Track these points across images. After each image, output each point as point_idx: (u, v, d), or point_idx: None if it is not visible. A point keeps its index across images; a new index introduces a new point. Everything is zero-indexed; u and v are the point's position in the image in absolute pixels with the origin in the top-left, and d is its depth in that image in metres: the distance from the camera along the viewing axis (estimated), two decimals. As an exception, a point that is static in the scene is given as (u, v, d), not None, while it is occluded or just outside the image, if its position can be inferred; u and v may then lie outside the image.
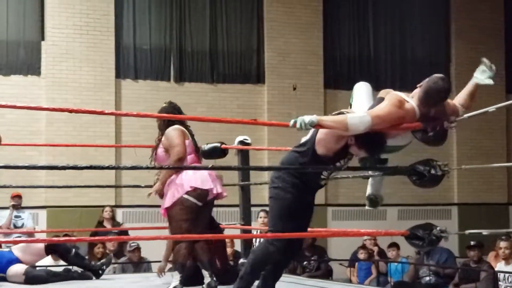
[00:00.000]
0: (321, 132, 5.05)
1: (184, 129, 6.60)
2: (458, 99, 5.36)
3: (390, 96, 5.05)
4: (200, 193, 6.40)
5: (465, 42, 15.59)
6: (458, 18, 15.68)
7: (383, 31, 15.34)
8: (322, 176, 5.18)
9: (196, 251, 6.66)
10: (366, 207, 5.74)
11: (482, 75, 5.22)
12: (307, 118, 4.79)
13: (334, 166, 5.16)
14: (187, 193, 6.36)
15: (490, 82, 5.16)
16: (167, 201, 6.43)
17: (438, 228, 5.35)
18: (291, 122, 4.86)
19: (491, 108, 5.20)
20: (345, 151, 5.14)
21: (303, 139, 5.22)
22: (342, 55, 15.06)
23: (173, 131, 6.54)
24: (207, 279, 6.58)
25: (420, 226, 5.25)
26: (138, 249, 10.27)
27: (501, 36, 15.87)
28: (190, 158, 6.53)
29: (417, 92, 5.10)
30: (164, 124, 6.71)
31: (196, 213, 6.41)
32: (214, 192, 6.47)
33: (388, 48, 15.32)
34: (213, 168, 6.08)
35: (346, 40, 15.09)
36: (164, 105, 6.87)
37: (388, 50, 15.31)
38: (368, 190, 5.70)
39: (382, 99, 5.15)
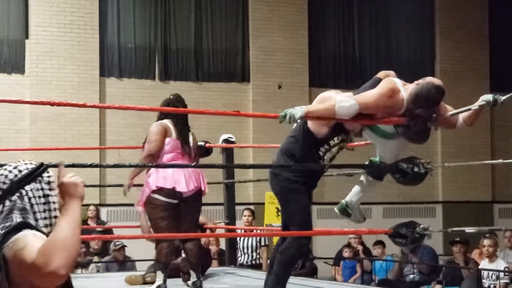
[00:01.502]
0: None
1: (169, 126, 6.54)
2: (463, 115, 5.36)
3: (385, 84, 5.06)
4: (167, 192, 6.39)
5: (449, 41, 15.64)
6: (442, 17, 15.73)
7: (368, 30, 15.37)
8: (320, 153, 5.16)
9: (185, 251, 6.68)
10: (335, 209, 5.75)
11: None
12: (297, 113, 4.80)
13: (327, 143, 5.14)
14: (154, 192, 6.37)
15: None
16: (141, 199, 6.51)
17: (421, 226, 5.37)
18: (280, 116, 4.88)
19: (474, 106, 5.20)
20: (340, 127, 5.15)
21: (294, 125, 5.20)
22: (327, 53, 15.08)
23: (155, 127, 6.54)
24: (193, 278, 6.58)
25: (403, 224, 5.27)
26: (123, 247, 10.23)
27: (485, 35, 15.92)
28: (171, 156, 6.49)
29: (412, 87, 5.10)
30: (159, 118, 6.72)
31: (172, 210, 6.41)
32: (181, 190, 6.41)
33: (373, 46, 15.35)
34: (192, 166, 6.09)
35: (331, 38, 15.11)
36: (170, 97, 6.91)
37: (373, 49, 15.34)
38: (348, 197, 5.71)
39: (378, 81, 5.16)
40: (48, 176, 2.56)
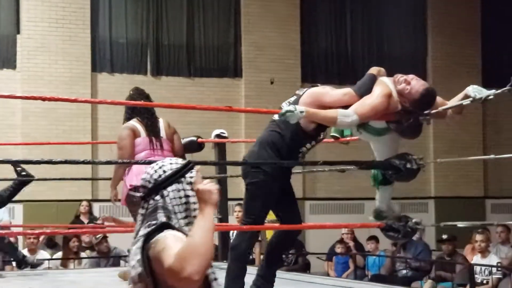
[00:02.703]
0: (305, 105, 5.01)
1: (136, 125, 6.56)
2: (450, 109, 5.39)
3: (380, 91, 5.05)
4: (140, 189, 6.38)
5: (441, 37, 15.64)
6: (434, 13, 15.73)
7: (361, 26, 15.36)
8: (305, 149, 5.14)
9: None
10: (371, 218, 5.76)
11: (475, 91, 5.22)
12: (293, 119, 4.80)
13: (315, 139, 5.13)
14: (130, 190, 6.43)
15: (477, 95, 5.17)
16: (122, 197, 6.59)
17: (413, 220, 5.37)
18: (279, 114, 4.87)
19: (466, 101, 5.21)
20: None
21: (275, 117, 5.15)
22: (320, 49, 15.06)
23: (122, 131, 6.59)
24: None
25: (396, 218, 5.27)
26: (104, 239, 10.16)
27: (477, 31, 15.93)
28: (143, 154, 6.50)
29: (403, 88, 5.10)
30: (124, 118, 6.74)
31: None
32: None
33: (365, 42, 15.34)
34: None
35: (324, 34, 15.09)
36: (130, 92, 6.82)
37: (365, 44, 15.34)
38: (376, 203, 5.73)
39: (373, 78, 5.15)
40: (190, 177, 2.65)
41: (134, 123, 6.60)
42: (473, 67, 15.79)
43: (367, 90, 5.10)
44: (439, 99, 5.38)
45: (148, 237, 2.53)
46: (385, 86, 5.11)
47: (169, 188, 2.64)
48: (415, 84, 5.13)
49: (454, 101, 5.36)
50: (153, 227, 2.55)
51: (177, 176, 2.65)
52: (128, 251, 2.67)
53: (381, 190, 5.67)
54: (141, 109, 6.59)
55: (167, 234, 2.52)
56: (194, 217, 2.60)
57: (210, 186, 2.56)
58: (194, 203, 2.63)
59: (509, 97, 5.00)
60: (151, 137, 6.58)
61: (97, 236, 10.07)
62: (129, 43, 13.72)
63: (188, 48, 14.09)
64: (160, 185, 2.64)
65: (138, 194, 2.62)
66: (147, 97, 6.78)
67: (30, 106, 12.75)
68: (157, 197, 2.63)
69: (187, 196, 2.64)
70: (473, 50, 15.89)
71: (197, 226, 2.47)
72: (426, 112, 5.19)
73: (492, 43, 15.90)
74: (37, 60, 13.06)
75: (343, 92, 5.13)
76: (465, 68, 15.58)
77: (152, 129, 6.59)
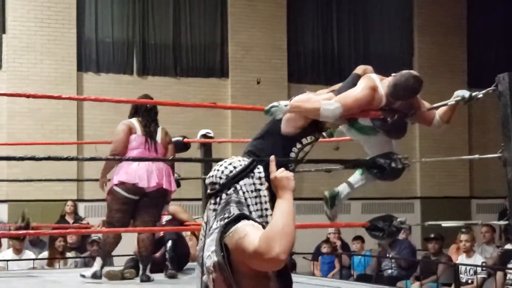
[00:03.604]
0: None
1: (134, 123, 6.82)
2: (439, 111, 5.39)
3: (365, 83, 5.06)
4: (129, 187, 6.68)
5: (427, 37, 15.70)
6: (420, 13, 15.78)
7: (347, 26, 15.38)
8: (293, 153, 5.14)
9: (137, 242, 6.96)
10: (325, 192, 5.73)
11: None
12: (279, 114, 4.80)
13: (300, 142, 5.13)
14: (116, 185, 6.69)
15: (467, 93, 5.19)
16: (106, 190, 6.85)
17: (398, 220, 5.38)
18: (265, 110, 4.88)
19: (451, 101, 5.23)
20: (313, 126, 5.15)
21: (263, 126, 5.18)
22: (306, 49, 15.08)
23: (119, 126, 6.87)
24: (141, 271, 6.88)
25: (380, 218, 5.29)
26: (93, 242, 10.15)
27: (463, 31, 15.99)
28: (136, 152, 6.73)
29: (388, 81, 5.12)
30: (129, 116, 7.06)
31: (130, 206, 6.73)
32: (142, 185, 6.66)
33: (351, 42, 15.37)
34: (170, 159, 6.12)
35: (310, 34, 15.11)
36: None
37: (352, 45, 15.36)
38: (341, 187, 5.72)
39: (357, 77, 5.17)
40: (259, 172, 2.80)
41: (133, 121, 6.87)
42: (459, 67, 15.85)
43: (350, 88, 5.11)
44: (425, 103, 5.39)
45: (226, 227, 2.63)
46: (371, 79, 5.12)
47: (241, 182, 2.77)
48: (402, 71, 5.16)
49: (446, 107, 5.37)
50: (231, 217, 2.66)
51: (247, 171, 2.79)
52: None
53: (359, 175, 5.64)
54: (144, 112, 6.90)
55: (245, 223, 2.64)
56: (266, 209, 2.76)
57: (287, 173, 2.71)
58: (265, 196, 2.78)
59: (494, 98, 5.02)
60: (146, 137, 6.82)
61: (93, 237, 10.07)
62: (115, 43, 13.69)
63: (174, 48, 14.07)
64: (232, 180, 2.77)
65: (209, 191, 2.73)
66: (154, 105, 7.04)
67: (15, 106, 12.70)
68: (230, 192, 2.76)
69: (257, 190, 2.78)
70: (459, 51, 15.95)
71: (279, 209, 2.61)
72: (411, 111, 5.19)
73: (477, 44, 15.96)
74: (23, 60, 13.01)
75: (325, 98, 5.14)
76: (451, 68, 15.64)
77: (149, 130, 6.84)
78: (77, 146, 12.87)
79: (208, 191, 2.82)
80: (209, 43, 14.32)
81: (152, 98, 7.13)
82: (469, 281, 9.07)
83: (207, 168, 8.33)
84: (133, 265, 7.25)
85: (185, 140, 7.77)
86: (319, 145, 6.32)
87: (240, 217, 2.67)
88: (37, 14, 13.08)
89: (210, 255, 2.67)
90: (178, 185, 7.90)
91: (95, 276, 6.75)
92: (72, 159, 5.76)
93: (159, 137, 6.93)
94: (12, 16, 12.97)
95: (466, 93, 5.19)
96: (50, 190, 12.38)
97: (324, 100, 4.97)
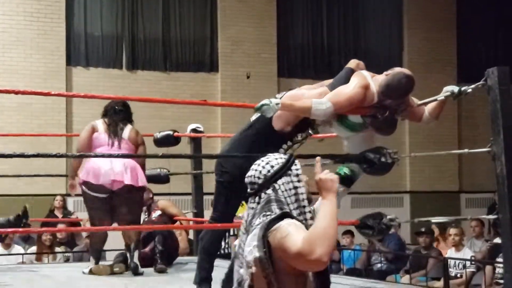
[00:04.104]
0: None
1: (98, 123, 6.97)
2: (428, 107, 5.39)
3: (356, 81, 5.05)
4: (91, 186, 6.75)
5: (417, 31, 15.71)
6: (410, 8, 15.79)
7: (337, 20, 15.38)
8: (282, 150, 5.15)
9: (123, 236, 7.06)
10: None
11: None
12: (269, 112, 4.81)
13: (291, 140, 5.15)
14: (82, 185, 6.80)
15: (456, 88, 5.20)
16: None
17: (388, 217, 5.38)
18: (255, 108, 4.87)
19: (440, 96, 5.23)
20: (305, 123, 5.14)
21: (253, 118, 5.18)
22: (296, 43, 15.07)
23: (85, 127, 7.08)
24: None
25: (370, 216, 5.28)
26: (88, 237, 10.15)
27: (453, 25, 16.01)
28: (100, 149, 6.81)
29: (381, 79, 5.12)
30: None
31: (101, 203, 6.79)
32: (101, 183, 6.71)
33: (341, 37, 15.37)
34: (160, 156, 6.13)
35: (300, 28, 15.10)
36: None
37: (342, 39, 15.37)
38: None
39: (350, 71, 5.17)
40: (296, 169, 2.87)
41: (98, 121, 7.02)
42: (449, 62, 15.87)
43: (343, 84, 5.11)
44: (414, 99, 5.39)
45: (269, 224, 2.70)
46: (363, 77, 5.11)
47: (279, 181, 2.82)
48: (395, 70, 5.16)
49: (434, 103, 5.37)
50: (274, 215, 2.73)
51: (284, 169, 2.84)
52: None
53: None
54: (113, 114, 6.99)
55: (288, 222, 2.70)
56: (304, 207, 2.82)
57: (331, 175, 2.78)
58: (302, 193, 2.84)
59: (484, 93, 5.02)
60: (109, 134, 6.89)
61: (86, 235, 10.08)
62: (105, 37, 13.65)
63: (164, 42, 14.04)
64: (271, 179, 2.82)
65: (249, 190, 2.80)
66: (124, 107, 7.10)
67: (4, 101, 12.66)
68: (269, 191, 2.81)
69: (296, 188, 2.83)
70: (448, 46, 15.97)
71: (323, 211, 2.68)
72: (401, 107, 5.19)
73: (467, 39, 15.98)
74: (12, 54, 12.97)
75: (319, 92, 5.14)
76: (441, 63, 15.67)
77: (113, 129, 6.91)
78: (66, 140, 12.84)
79: (248, 190, 2.88)
80: (198, 37, 14.30)
81: (127, 106, 7.17)
82: (458, 275, 9.09)
83: (197, 163, 8.33)
84: (123, 259, 7.25)
85: (175, 134, 7.75)
86: (308, 141, 6.32)
87: (284, 215, 2.73)
88: (26, 8, 13.04)
89: (251, 250, 2.73)
90: (168, 180, 7.90)
91: (92, 272, 6.89)
92: (61, 156, 5.77)
93: (126, 135, 6.93)
94: (1, 10, 12.93)
95: (455, 88, 5.19)
96: (39, 185, 12.35)
97: (316, 99, 4.96)
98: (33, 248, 10.08)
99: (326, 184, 2.76)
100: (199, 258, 5.34)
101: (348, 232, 11.60)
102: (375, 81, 5.11)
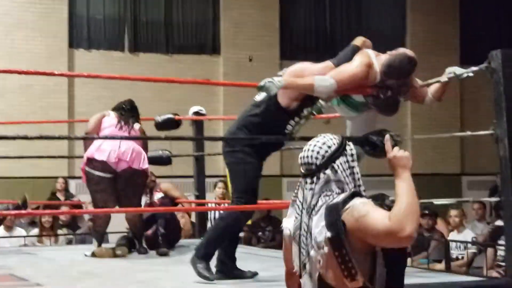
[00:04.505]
0: None
1: (108, 113, 7.05)
2: (431, 89, 5.38)
3: (360, 60, 5.05)
4: (97, 165, 6.76)
5: (420, 14, 15.66)
6: (413, -10, 15.75)
7: (340, 3, 15.33)
8: (287, 131, 5.14)
9: (126, 221, 7.17)
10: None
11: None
12: (273, 90, 4.79)
13: (298, 116, 5.12)
14: (87, 165, 6.81)
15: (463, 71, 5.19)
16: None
17: (390, 199, 5.35)
18: (258, 87, 4.86)
19: (444, 78, 5.22)
20: (310, 98, 5.13)
21: (258, 99, 5.15)
22: (298, 26, 15.03)
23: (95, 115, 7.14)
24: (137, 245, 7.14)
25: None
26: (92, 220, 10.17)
27: (456, 7, 15.96)
28: (108, 130, 6.89)
29: (384, 58, 5.11)
30: None
31: (106, 184, 6.81)
32: (107, 159, 6.74)
33: (344, 19, 15.33)
34: (163, 138, 6.14)
35: (303, 11, 15.06)
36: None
37: (344, 22, 15.32)
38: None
39: (354, 49, 5.16)
40: (351, 149, 2.88)
41: (110, 111, 7.11)
42: (451, 44, 15.83)
43: (347, 61, 5.10)
44: (418, 80, 5.38)
45: (342, 204, 2.72)
46: (367, 56, 5.11)
47: (337, 161, 2.84)
48: (399, 50, 5.16)
49: (438, 85, 5.36)
50: (344, 195, 2.76)
51: (341, 149, 2.86)
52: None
53: None
54: (122, 111, 7.07)
55: (362, 201, 2.75)
56: (359, 186, 2.85)
57: (405, 152, 2.85)
58: (358, 173, 2.87)
59: (487, 75, 5.01)
60: (119, 119, 6.98)
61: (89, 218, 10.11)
62: (107, 20, 13.62)
63: (166, 25, 14.01)
64: (329, 160, 2.84)
65: (304, 171, 2.83)
66: (132, 106, 7.19)
67: (6, 83, 12.65)
68: (328, 171, 2.83)
69: (351, 167, 2.86)
70: (451, 28, 15.92)
71: (404, 188, 2.74)
72: (404, 88, 5.18)
73: (470, 21, 15.93)
74: (14, 36, 12.96)
75: (323, 66, 5.13)
76: (444, 45, 15.62)
77: (124, 117, 7.00)
78: (68, 124, 12.85)
79: (303, 171, 2.89)
80: (201, 20, 14.26)
81: (135, 107, 7.25)
82: (460, 257, 9.10)
83: (199, 146, 8.33)
84: (125, 242, 7.27)
85: (177, 117, 7.74)
86: (311, 122, 6.32)
87: (354, 194, 2.78)
88: (29, -10, 13.02)
89: (320, 230, 2.74)
90: (170, 162, 7.90)
91: (94, 255, 6.92)
92: (64, 138, 5.76)
93: (136, 127, 7.07)
94: (3, -8, 12.91)
95: (457, 70, 5.18)
96: (41, 167, 12.35)
97: (318, 76, 4.94)
98: (35, 231, 10.10)
99: (401, 161, 2.83)
100: (211, 236, 5.19)
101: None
102: (379, 60, 5.11)
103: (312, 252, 2.78)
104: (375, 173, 14.85)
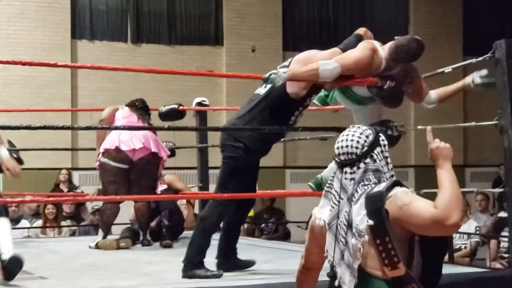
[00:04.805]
0: None
1: (122, 107, 7.17)
2: (439, 90, 5.39)
3: (364, 45, 5.04)
4: (114, 155, 6.84)
5: (423, 4, 15.63)
6: (416, -20, 15.71)
7: (342, -7, 15.30)
8: (291, 121, 5.12)
9: (134, 210, 7.20)
10: (310, 183, 5.76)
11: (478, 78, 5.24)
12: (279, 81, 4.77)
13: (302, 105, 5.10)
14: (103, 155, 6.88)
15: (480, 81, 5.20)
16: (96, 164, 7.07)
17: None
18: (264, 78, 4.84)
19: (448, 69, 5.22)
20: (314, 88, 5.13)
21: (262, 91, 5.11)
22: (301, 17, 15.01)
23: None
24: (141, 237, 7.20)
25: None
26: (98, 211, 10.17)
27: (459, -1, 15.94)
28: (125, 121, 6.99)
29: (390, 45, 5.10)
30: None
31: (121, 176, 6.88)
32: (124, 148, 6.81)
33: (347, 10, 15.30)
34: (166, 128, 6.15)
35: (305, 1, 15.03)
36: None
37: (347, 12, 15.29)
38: (325, 172, 5.73)
39: (358, 38, 5.15)
40: (383, 140, 2.97)
41: (124, 106, 7.21)
42: (455, 35, 15.79)
43: (353, 47, 5.09)
44: (425, 86, 5.38)
45: (384, 193, 2.80)
46: (370, 42, 5.10)
47: (375, 151, 2.92)
48: (406, 36, 5.16)
49: (448, 88, 5.38)
50: (386, 184, 2.84)
51: (378, 139, 2.94)
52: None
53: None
54: (136, 108, 7.19)
55: (403, 190, 2.83)
56: (392, 176, 2.93)
57: (447, 144, 2.99)
58: (391, 163, 2.96)
59: (490, 66, 5.00)
60: (133, 111, 7.11)
61: (94, 207, 10.11)
62: (109, 10, 13.60)
63: (169, 16, 13.98)
64: (369, 149, 2.91)
65: (341, 161, 2.86)
66: (143, 105, 7.31)
67: (9, 74, 12.64)
68: (367, 160, 2.90)
69: (386, 157, 2.95)
70: (454, 19, 15.88)
71: (447, 178, 2.85)
72: (408, 79, 5.17)
73: (473, 12, 15.88)
74: (17, 27, 12.94)
75: (330, 52, 5.11)
76: (447, 36, 15.59)
77: (138, 115, 7.12)
78: (72, 114, 12.85)
79: (342, 160, 2.92)
80: (203, 10, 14.24)
81: (147, 106, 7.35)
82: (463, 247, 9.09)
83: (203, 137, 8.32)
84: (129, 235, 7.28)
85: (180, 108, 7.73)
86: (315, 113, 6.31)
87: (395, 183, 2.85)
88: (31, -19, 13.00)
89: (362, 218, 2.80)
90: (173, 154, 7.90)
91: (98, 247, 6.95)
92: (67, 128, 5.74)
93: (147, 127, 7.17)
94: (5, -17, 12.88)
95: (476, 78, 5.20)
96: (45, 159, 12.34)
97: (322, 60, 4.92)
98: (39, 222, 10.10)
99: (444, 152, 2.95)
100: (197, 238, 5.08)
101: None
102: (384, 49, 5.10)
103: (353, 241, 2.81)
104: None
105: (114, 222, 7.35)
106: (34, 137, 10.69)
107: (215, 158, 10.05)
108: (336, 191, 2.91)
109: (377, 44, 5.11)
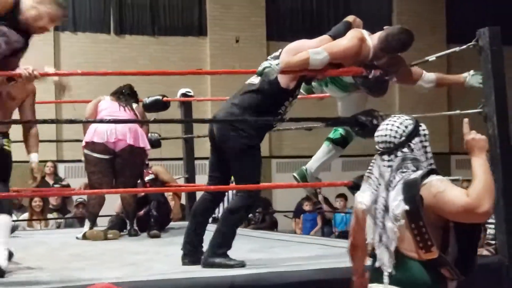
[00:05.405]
0: None
1: (104, 97, 7.21)
2: (437, 74, 5.43)
3: (352, 34, 5.06)
4: (96, 147, 6.90)
5: (407, -8, 15.67)
6: (399, -31, 15.72)
7: (326, -18, 15.30)
8: (281, 111, 5.12)
9: (121, 200, 7.26)
10: (294, 174, 5.78)
11: (474, 80, 5.29)
12: (272, 74, 4.78)
13: (292, 96, 5.10)
14: (85, 147, 6.98)
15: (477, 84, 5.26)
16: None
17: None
18: (258, 72, 4.83)
19: (432, 57, 5.24)
20: (304, 78, 5.15)
21: (254, 81, 5.09)
22: (285, 7, 15.00)
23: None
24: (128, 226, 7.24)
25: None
26: (81, 204, 10.17)
27: (442, -14, 15.97)
28: (106, 112, 7.04)
29: (378, 35, 5.12)
30: None
31: (103, 166, 6.95)
32: (106, 141, 6.86)
33: (331, 0, 15.29)
34: (152, 121, 6.14)
35: (289, -9, 15.02)
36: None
37: (331, 2, 15.29)
38: (309, 163, 5.76)
39: (347, 25, 5.17)
40: (423, 130, 3.11)
41: (106, 96, 7.26)
42: (438, 23, 15.82)
43: (342, 35, 5.10)
44: (415, 68, 5.39)
45: (420, 180, 2.93)
46: (360, 32, 5.12)
47: (413, 141, 3.06)
48: (395, 26, 5.18)
49: (446, 76, 5.44)
50: (422, 171, 2.98)
51: (416, 129, 3.09)
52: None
53: (327, 149, 5.67)
54: (120, 95, 7.22)
55: (439, 178, 2.97)
56: (430, 164, 3.06)
57: (483, 136, 3.06)
58: (430, 152, 3.10)
59: (474, 54, 5.01)
60: (116, 100, 7.14)
61: (78, 199, 10.11)
62: (92, 2, 13.55)
63: (152, 7, 13.94)
64: (407, 138, 3.06)
65: (380, 149, 3.06)
66: (131, 91, 7.34)
67: (-8, 67, 12.56)
68: (405, 149, 3.05)
69: (425, 147, 3.09)
70: (437, 7, 15.92)
71: (482, 168, 2.94)
72: (393, 68, 5.18)
73: (456, 0, 15.91)
74: (-1, 20, 12.85)
75: (319, 39, 5.12)
76: (430, 24, 15.61)
77: (122, 101, 7.14)
78: (55, 106, 12.78)
79: (381, 148, 3.07)
80: (187, 1, 14.21)
81: (135, 92, 7.38)
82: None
83: (188, 127, 8.31)
84: (116, 224, 7.29)
85: (165, 99, 7.72)
86: (300, 102, 6.31)
87: (431, 171, 2.99)
88: (13, -27, 12.89)
89: (398, 203, 2.94)
90: (159, 144, 7.90)
91: (85, 238, 6.97)
92: (52, 122, 5.71)
93: (134, 107, 7.20)
94: (-13, -25, 12.78)
95: (473, 79, 5.26)
96: (29, 151, 12.29)
97: (312, 49, 4.94)
98: (25, 215, 10.07)
99: (479, 143, 3.03)
100: (227, 230, 4.99)
101: (341, 196, 11.64)
102: (372, 39, 5.11)
103: (389, 224, 2.96)
104: (364, 153, 14.93)
105: (100, 214, 7.35)
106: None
107: (201, 148, 10.05)
108: (376, 177, 3.07)
109: (365, 33, 5.13)
